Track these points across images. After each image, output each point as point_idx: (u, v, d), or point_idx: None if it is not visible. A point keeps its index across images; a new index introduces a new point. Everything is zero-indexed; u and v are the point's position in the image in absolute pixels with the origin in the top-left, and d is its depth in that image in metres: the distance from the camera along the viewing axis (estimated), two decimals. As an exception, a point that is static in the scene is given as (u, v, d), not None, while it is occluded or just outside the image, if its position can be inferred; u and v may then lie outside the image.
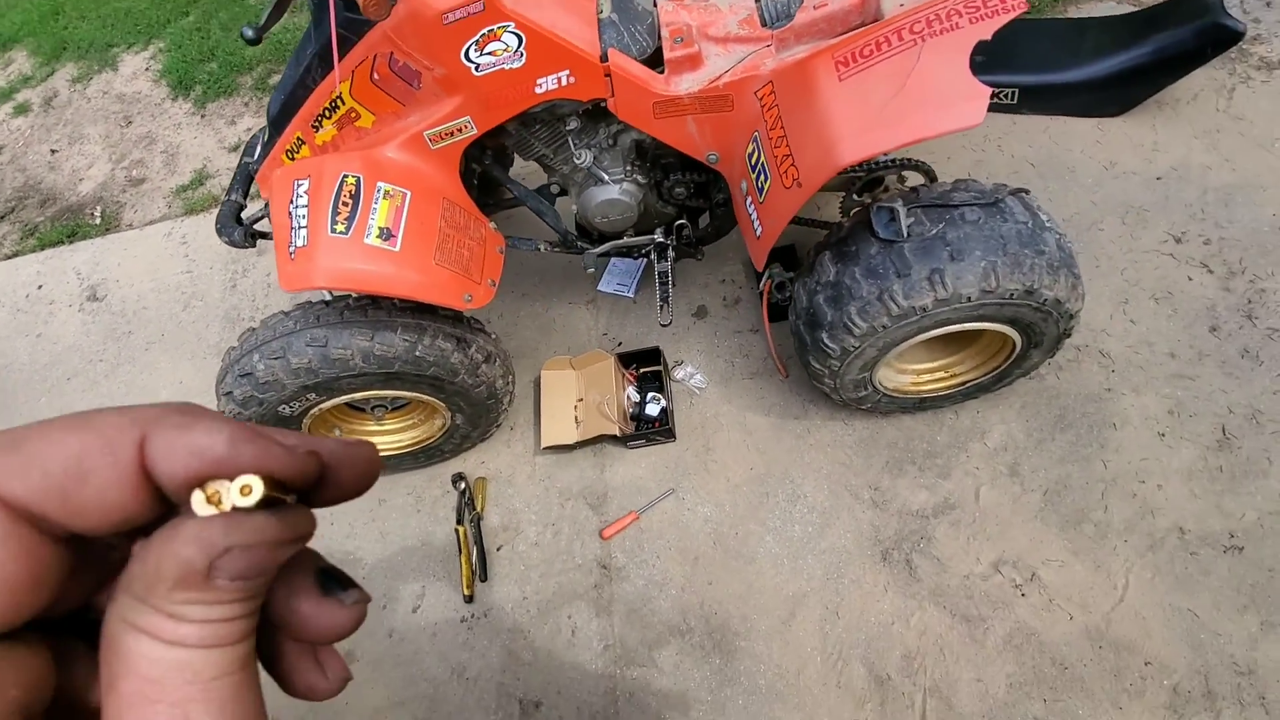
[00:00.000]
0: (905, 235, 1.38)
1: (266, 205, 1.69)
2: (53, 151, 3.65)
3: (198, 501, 0.22)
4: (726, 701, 1.60)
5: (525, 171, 2.23)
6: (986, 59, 2.29)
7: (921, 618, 1.61)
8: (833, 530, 1.76)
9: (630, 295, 2.27)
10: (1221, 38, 1.99)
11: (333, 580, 0.26)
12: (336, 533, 2.07)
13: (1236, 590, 1.51)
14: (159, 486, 0.23)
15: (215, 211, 3.01)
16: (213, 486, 0.23)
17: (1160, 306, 1.88)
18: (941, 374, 1.73)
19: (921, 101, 1.17)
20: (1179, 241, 1.97)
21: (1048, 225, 1.41)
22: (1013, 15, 1.17)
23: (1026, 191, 1.47)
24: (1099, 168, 2.16)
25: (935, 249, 1.36)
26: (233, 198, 1.72)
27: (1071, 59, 2.25)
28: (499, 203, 2.05)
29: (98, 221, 3.23)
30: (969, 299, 1.36)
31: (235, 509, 0.22)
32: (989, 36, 1.16)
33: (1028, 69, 2.27)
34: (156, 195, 3.25)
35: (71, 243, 3.17)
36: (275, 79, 3.47)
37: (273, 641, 0.26)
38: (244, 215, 1.73)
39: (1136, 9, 2.40)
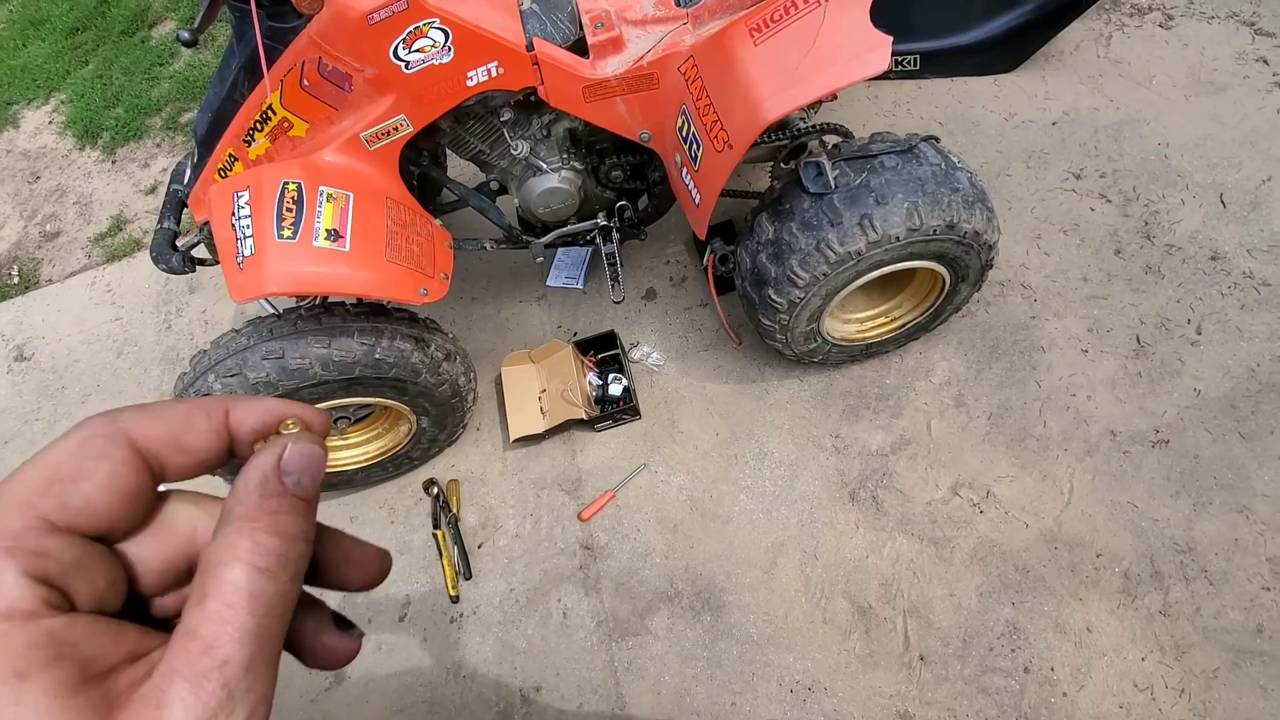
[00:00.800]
0: (833, 187, 1.47)
1: (203, 228, 1.67)
2: (-44, 215, 3.46)
3: (259, 446, 0.31)
4: (721, 654, 1.65)
5: (461, 175, 2.26)
6: (887, 29, 2.45)
7: (893, 547, 1.69)
8: (801, 480, 1.84)
9: (579, 286, 2.31)
10: (1093, -11, 2.18)
11: (344, 621, 0.34)
12: (311, 557, 2.03)
13: (1167, 479, 1.65)
14: (233, 441, 0.32)
15: (139, 255, 2.94)
16: (260, 442, 0.32)
17: (1069, 237, 2.04)
18: (883, 319, 1.83)
19: (832, 56, 1.26)
20: (1079, 178, 2.14)
21: (959, 166, 1.52)
22: (902, -30, 1.27)
23: (936, 139, 1.58)
24: (1000, 120, 2.32)
25: (861, 196, 1.45)
26: (165, 225, 1.69)
27: (964, 23, 2.42)
28: (438, 207, 2.07)
29: (15, 281, 3.08)
30: (897, 238, 1.45)
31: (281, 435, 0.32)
32: (884, -9, 1.27)
33: (926, 36, 2.42)
34: (74, 247, 3.12)
35: (-10, 305, 3.02)
36: (186, 117, 3.39)
37: (294, 631, 0.32)
38: (179, 242, 1.70)
39: (1015, -27, 2.59)
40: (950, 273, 1.63)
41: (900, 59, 2.44)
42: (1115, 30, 2.43)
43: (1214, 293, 1.87)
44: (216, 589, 0.26)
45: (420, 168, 1.74)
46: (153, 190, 3.14)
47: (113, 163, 3.36)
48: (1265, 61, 2.23)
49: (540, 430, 1.97)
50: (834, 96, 2.06)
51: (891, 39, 1.23)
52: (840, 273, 1.52)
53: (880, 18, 1.44)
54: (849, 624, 1.63)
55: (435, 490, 2.00)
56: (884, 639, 1.59)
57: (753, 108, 1.31)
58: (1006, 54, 2.39)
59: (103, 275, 2.92)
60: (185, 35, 1.14)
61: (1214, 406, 1.72)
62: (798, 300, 1.58)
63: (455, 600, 1.85)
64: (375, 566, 0.35)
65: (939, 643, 1.57)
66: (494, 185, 1.86)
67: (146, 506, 0.30)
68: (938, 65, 2.42)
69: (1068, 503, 1.67)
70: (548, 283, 2.34)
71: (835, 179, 1.47)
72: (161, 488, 0.31)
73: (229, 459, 0.32)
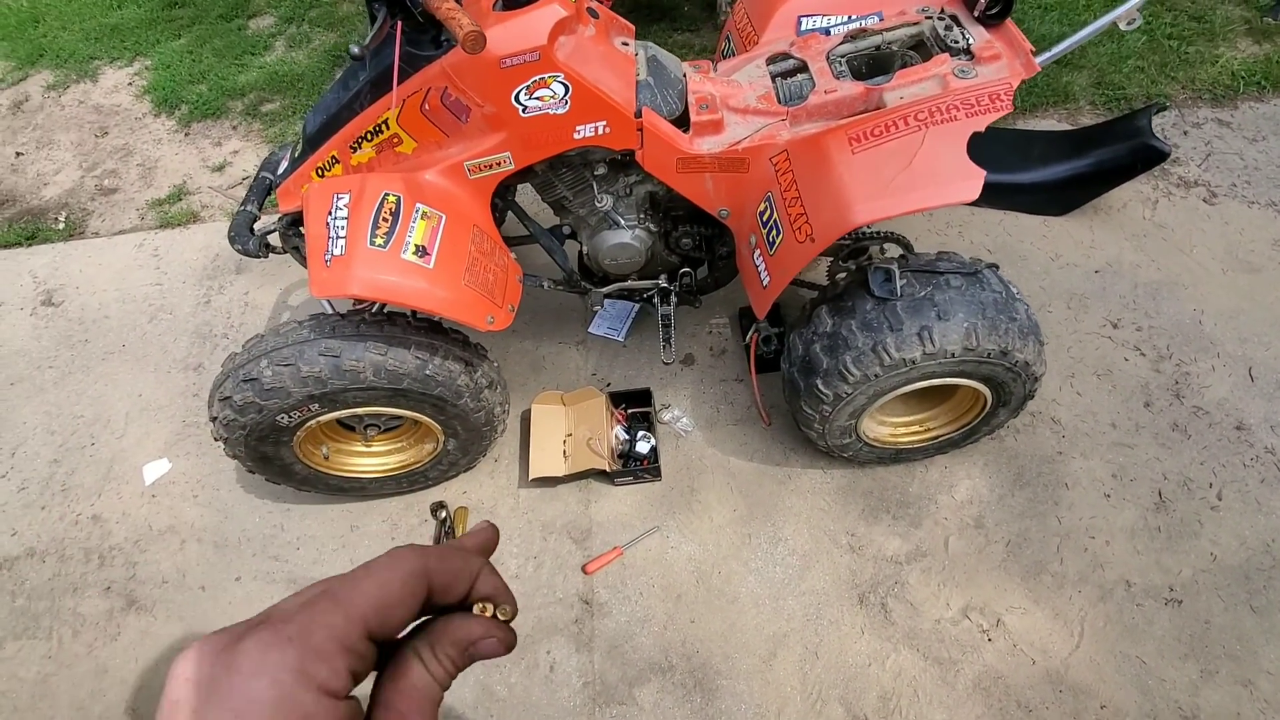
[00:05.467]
0: (898, 295, 1.53)
1: (283, 218, 1.72)
2: (18, 154, 3.53)
3: (476, 609, 0.40)
4: (709, 740, 1.60)
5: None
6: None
7: (896, 660, 1.67)
8: (812, 573, 1.83)
9: (620, 339, 2.35)
10: (1151, 157, 2.32)
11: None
12: (303, 558, 1.99)
13: (1178, 640, 1.65)
14: (434, 603, 0.39)
15: (194, 227, 2.99)
16: (481, 605, 0.40)
17: (1101, 382, 2.10)
18: (918, 428, 1.86)
19: (926, 177, 1.34)
20: (1116, 327, 2.22)
21: (1018, 297, 1.59)
22: (1002, 114, 1.36)
23: (997, 267, 1.66)
24: (1046, 258, 2.42)
25: (924, 308, 1.51)
26: (248, 208, 1.73)
27: (1023, 163, 2.56)
28: (504, 239, 2.13)
29: (61, 227, 3.12)
30: (952, 354, 1.50)
31: (495, 618, 0.40)
32: (983, 129, 1.35)
33: (987, 168, 2.54)
34: (129, 206, 3.17)
35: (29, 245, 3.04)
36: (268, 107, 3.50)
37: None
38: (256, 227, 1.75)
39: (1074, 128, 2.76)
40: (994, 396, 1.68)
41: (958, 184, 2.56)
42: (1162, 197, 2.56)
43: (1236, 462, 1.91)
44: (406, 683, 0.36)
45: (505, 201, 1.80)
46: (221, 168, 3.22)
47: (186, 135, 3.45)
48: (1300, 252, 2.35)
49: (560, 474, 1.97)
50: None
51: (985, 173, 1.31)
52: (891, 376, 1.56)
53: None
54: (843, 731, 1.59)
55: (443, 514, 1.98)
56: (877, 753, 1.56)
57: (843, 208, 1.38)
58: (1059, 199, 2.51)
59: (152, 239, 2.96)
60: (355, 50, 1.21)
61: (1228, 574, 1.73)
62: (844, 395, 1.62)
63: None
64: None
65: (932, 768, 1.54)
66: (565, 230, 1.92)
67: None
68: (994, 197, 2.54)
69: (1077, 645, 1.66)
70: (589, 329, 2.38)
71: (901, 288, 1.53)
72: None
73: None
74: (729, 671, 1.70)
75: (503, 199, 1.79)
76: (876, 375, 1.56)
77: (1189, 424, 1.99)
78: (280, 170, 1.73)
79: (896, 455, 1.90)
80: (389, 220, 1.40)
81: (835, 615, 1.76)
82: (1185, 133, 2.77)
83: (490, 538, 0.45)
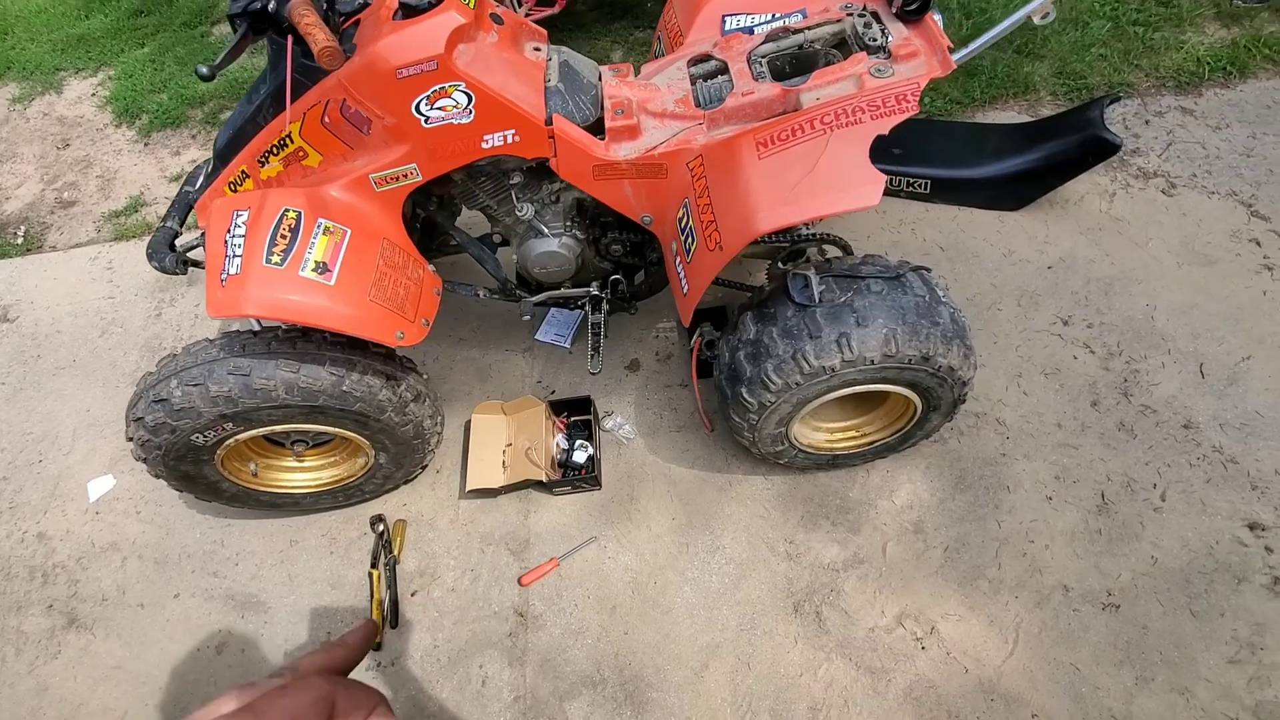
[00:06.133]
0: (817, 301, 1.49)
1: (203, 234, 1.70)
2: (-21, 168, 3.52)
3: None
4: (635, 755, 1.58)
5: (469, 222, 2.30)
6: (905, 152, 2.54)
7: (829, 669, 1.65)
8: (748, 582, 1.80)
9: (566, 346, 2.33)
10: (1102, 149, 2.27)
11: None
12: (241, 574, 1.98)
13: (1113, 646, 1.61)
14: None
15: (146, 239, 2.96)
16: None
17: (1049, 381, 2.06)
18: (852, 433, 1.83)
19: (828, 182, 1.30)
20: (1066, 324, 2.18)
21: (943, 300, 1.55)
22: (907, 115, 1.33)
23: (928, 269, 1.62)
24: (999, 254, 2.38)
25: (843, 315, 1.47)
26: (168, 224, 1.71)
27: (976, 158, 2.51)
28: (441, 248, 2.11)
29: (19, 241, 3.11)
30: (872, 362, 1.47)
31: None
32: (887, 132, 1.32)
33: (939, 164, 2.51)
34: (86, 219, 3.16)
35: (-13, 261, 3.03)
36: (227, 114, 3.48)
37: None
38: (178, 243, 1.72)
39: (1032, 119, 2.71)
40: (922, 401, 1.64)
41: (912, 181, 2.52)
42: (1120, 189, 2.51)
43: (1183, 461, 1.87)
44: None
45: (428, 212, 1.77)
46: (178, 178, 3.20)
47: (145, 145, 3.44)
48: (1257, 243, 2.30)
49: (497, 485, 1.95)
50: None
51: (885, 179, 1.28)
52: (812, 384, 1.53)
53: (899, 141, 1.50)
54: (770, 744, 1.57)
55: (381, 528, 1.96)
56: (803, 766, 1.53)
57: (747, 216, 1.35)
58: (1013, 193, 2.47)
59: (106, 252, 2.95)
60: (204, 70, 1.18)
61: (1169, 578, 1.70)
62: (768, 403, 1.59)
63: (377, 648, 1.79)
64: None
65: (859, 780, 1.52)
66: (497, 238, 1.90)
67: None
68: (947, 193, 2.50)
69: (1011, 653, 1.63)
70: (536, 337, 2.36)
71: (820, 293, 1.50)
72: None
73: None
74: (660, 684, 1.68)
75: (425, 209, 1.77)
76: (797, 383, 1.53)
77: (1136, 423, 1.95)
78: (198, 185, 1.71)
79: (833, 461, 1.87)
80: (288, 237, 1.37)
81: (769, 625, 1.73)
82: (1147, 122, 2.72)
83: (369, 632, 0.57)
